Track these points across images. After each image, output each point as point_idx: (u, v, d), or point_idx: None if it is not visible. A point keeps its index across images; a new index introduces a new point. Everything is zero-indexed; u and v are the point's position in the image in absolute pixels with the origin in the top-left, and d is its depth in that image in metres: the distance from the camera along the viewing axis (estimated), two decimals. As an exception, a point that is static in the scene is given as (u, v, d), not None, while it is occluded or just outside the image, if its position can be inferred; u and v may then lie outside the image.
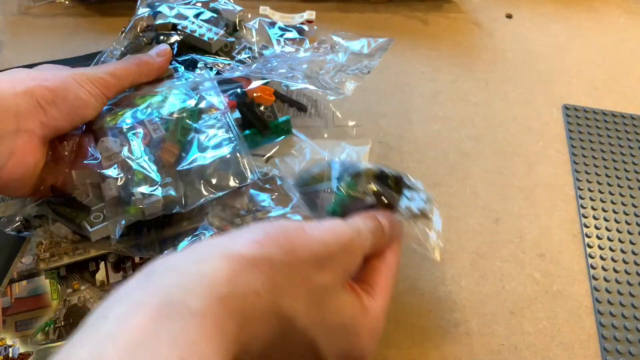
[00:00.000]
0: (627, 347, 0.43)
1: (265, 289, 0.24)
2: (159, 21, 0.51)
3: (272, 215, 0.39)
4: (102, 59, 0.50)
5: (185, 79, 0.46)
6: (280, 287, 0.25)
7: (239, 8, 0.54)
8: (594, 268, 0.48)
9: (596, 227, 0.51)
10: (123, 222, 0.37)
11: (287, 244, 0.26)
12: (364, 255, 0.30)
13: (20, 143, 0.36)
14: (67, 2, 0.65)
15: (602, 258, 0.49)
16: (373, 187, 0.35)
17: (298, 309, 0.25)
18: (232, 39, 0.52)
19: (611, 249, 0.49)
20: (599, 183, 0.54)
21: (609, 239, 0.50)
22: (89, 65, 0.48)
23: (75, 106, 0.38)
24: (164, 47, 0.47)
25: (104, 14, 0.66)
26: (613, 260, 0.49)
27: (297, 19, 0.64)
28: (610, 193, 0.53)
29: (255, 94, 0.46)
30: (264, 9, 0.64)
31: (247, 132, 0.45)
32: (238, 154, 0.40)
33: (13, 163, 0.36)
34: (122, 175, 0.38)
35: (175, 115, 0.41)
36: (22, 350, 0.40)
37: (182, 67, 0.48)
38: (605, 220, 0.51)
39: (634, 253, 0.49)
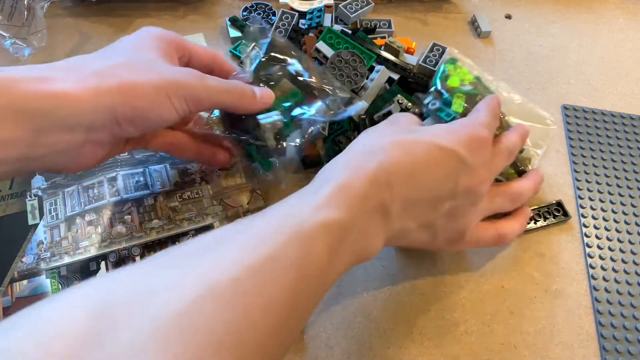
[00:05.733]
0: (626, 346, 0.43)
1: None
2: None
3: None
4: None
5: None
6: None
7: None
8: (592, 267, 0.48)
9: (595, 227, 0.51)
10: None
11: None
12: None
13: (88, 149, 0.36)
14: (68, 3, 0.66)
15: (601, 258, 0.49)
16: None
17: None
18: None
19: (610, 249, 0.49)
20: (597, 183, 0.54)
21: (608, 239, 0.50)
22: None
23: (154, 123, 0.37)
24: (269, 93, 0.43)
25: (105, 15, 0.66)
26: (612, 259, 0.49)
27: (316, 4, 0.65)
28: (609, 193, 0.54)
29: None
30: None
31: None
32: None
33: (79, 162, 0.37)
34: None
35: None
36: (23, 349, 0.40)
37: None
38: (605, 220, 0.52)
39: (632, 253, 0.49)
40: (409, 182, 0.35)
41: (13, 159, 0.32)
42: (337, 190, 0.31)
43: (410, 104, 0.55)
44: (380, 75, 0.54)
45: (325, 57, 0.54)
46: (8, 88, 0.29)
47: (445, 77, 0.52)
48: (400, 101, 0.56)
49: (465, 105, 0.49)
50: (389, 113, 0.54)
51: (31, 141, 0.31)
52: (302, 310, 0.29)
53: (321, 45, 0.55)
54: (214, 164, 0.48)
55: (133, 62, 0.35)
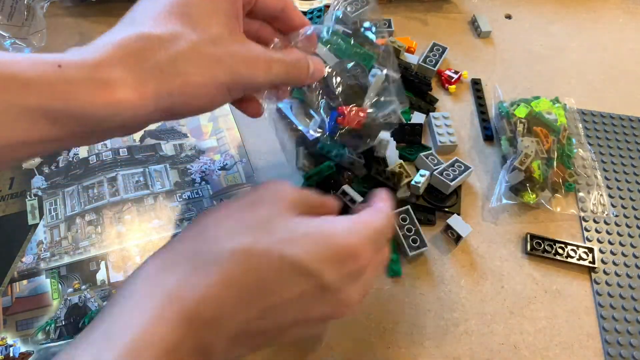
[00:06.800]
0: (628, 339, 0.44)
1: None
2: None
3: None
4: None
5: None
6: None
7: None
8: (594, 265, 0.48)
9: (596, 229, 0.51)
10: None
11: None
12: None
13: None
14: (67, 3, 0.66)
15: (601, 252, 0.49)
16: None
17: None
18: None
19: (611, 248, 0.49)
20: (598, 185, 0.54)
21: (610, 242, 0.50)
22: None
23: (205, 111, 0.34)
24: (321, 70, 0.39)
25: (105, 15, 0.66)
26: (612, 253, 0.49)
27: (316, 4, 0.65)
28: (610, 196, 0.54)
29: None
30: None
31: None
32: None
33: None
34: None
35: None
36: (23, 349, 0.40)
37: None
38: (606, 223, 0.52)
39: (632, 246, 0.49)
40: (245, 311, 0.27)
41: (58, 148, 0.31)
42: (127, 355, 0.23)
43: (414, 98, 0.56)
44: (376, 79, 0.54)
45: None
46: (66, 94, 0.27)
47: (537, 103, 0.55)
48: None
49: (526, 121, 0.53)
50: (393, 112, 0.54)
51: (84, 138, 0.30)
52: None
53: (320, 49, 0.55)
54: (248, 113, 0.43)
55: (198, 46, 0.30)
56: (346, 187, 0.47)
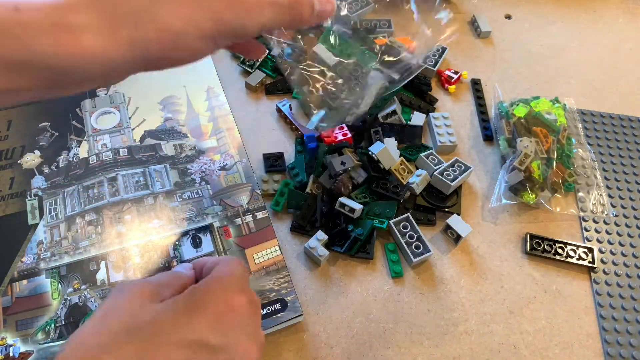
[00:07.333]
0: (628, 338, 0.44)
1: None
2: None
3: None
4: None
5: None
6: None
7: None
8: (593, 265, 0.48)
9: (596, 229, 0.51)
10: None
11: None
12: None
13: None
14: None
15: (601, 252, 0.49)
16: None
17: None
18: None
19: (611, 248, 0.49)
20: (597, 185, 0.54)
21: (609, 242, 0.50)
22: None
23: (187, 63, 0.30)
24: (332, 5, 0.34)
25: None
26: (613, 260, 0.49)
27: None
28: (610, 196, 0.54)
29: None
30: None
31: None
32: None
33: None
34: None
35: None
36: (22, 349, 0.40)
37: None
38: (606, 223, 0.52)
39: (632, 248, 0.49)
40: None
41: (28, 99, 0.28)
42: None
43: (414, 98, 0.56)
44: (376, 79, 0.54)
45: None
46: (26, 41, 0.24)
47: (537, 103, 0.55)
48: (403, 98, 0.56)
49: (525, 121, 0.52)
50: (393, 112, 0.54)
51: (55, 89, 0.27)
52: None
53: (319, 49, 0.54)
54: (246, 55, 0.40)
55: None
56: (343, 199, 0.47)
